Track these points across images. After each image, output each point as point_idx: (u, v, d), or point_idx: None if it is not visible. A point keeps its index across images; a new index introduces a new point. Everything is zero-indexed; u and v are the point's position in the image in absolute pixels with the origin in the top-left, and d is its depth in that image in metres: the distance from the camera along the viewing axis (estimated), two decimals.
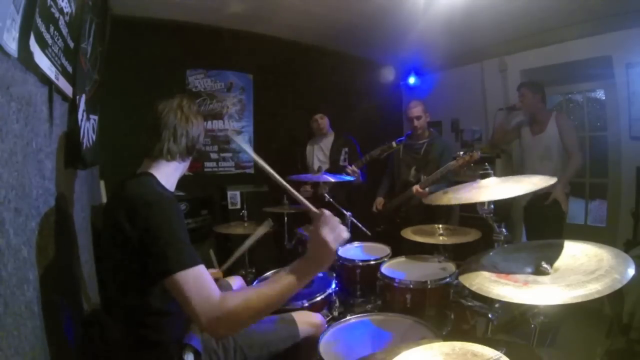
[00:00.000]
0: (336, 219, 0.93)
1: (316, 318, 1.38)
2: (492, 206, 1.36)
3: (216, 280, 1.53)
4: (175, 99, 1.14)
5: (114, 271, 0.99)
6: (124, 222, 0.90)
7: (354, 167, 2.65)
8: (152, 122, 1.10)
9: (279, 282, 0.89)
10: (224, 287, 1.60)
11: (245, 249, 1.76)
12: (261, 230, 1.78)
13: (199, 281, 0.85)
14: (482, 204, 1.37)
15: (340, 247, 2.15)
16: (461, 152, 2.27)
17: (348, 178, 2.32)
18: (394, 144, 2.47)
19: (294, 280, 0.89)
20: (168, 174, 1.10)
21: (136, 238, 0.88)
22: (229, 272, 1.84)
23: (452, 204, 3.08)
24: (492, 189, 1.30)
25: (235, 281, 1.69)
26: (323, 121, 2.99)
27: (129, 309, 0.97)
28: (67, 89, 1.37)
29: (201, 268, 0.87)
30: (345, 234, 0.92)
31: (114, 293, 1.02)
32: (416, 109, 2.70)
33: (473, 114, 3.98)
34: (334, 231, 0.90)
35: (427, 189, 2.39)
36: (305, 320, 1.32)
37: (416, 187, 2.41)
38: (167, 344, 1.02)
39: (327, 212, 0.93)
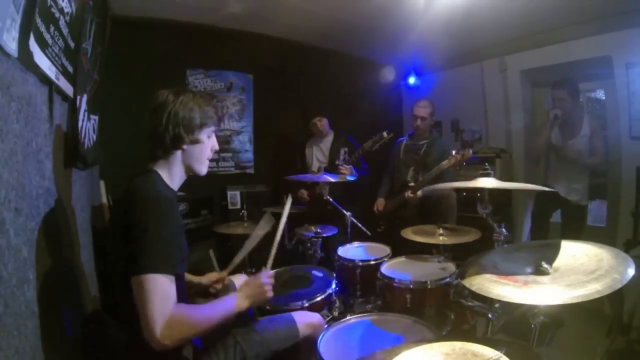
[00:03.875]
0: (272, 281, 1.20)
1: (315, 318, 1.38)
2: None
3: (220, 280, 1.52)
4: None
5: (114, 268, 1.00)
6: (122, 216, 0.92)
7: (345, 166, 2.63)
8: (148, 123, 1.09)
9: (222, 305, 1.05)
10: (229, 287, 1.60)
11: (248, 250, 1.72)
12: (261, 230, 1.75)
13: (166, 289, 0.88)
14: (482, 203, 1.37)
15: (340, 248, 2.16)
16: (454, 151, 2.28)
17: (350, 178, 2.32)
18: (384, 134, 2.47)
19: (232, 309, 1.05)
20: (172, 169, 1.10)
21: (129, 233, 0.89)
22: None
23: (452, 201, 3.12)
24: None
25: (239, 279, 1.69)
26: (322, 123, 2.98)
27: (128, 307, 0.97)
28: (68, 89, 1.37)
29: (172, 279, 0.90)
30: (270, 293, 1.17)
31: (113, 292, 1.03)
32: (424, 110, 2.69)
33: (473, 114, 3.98)
34: (268, 283, 1.17)
35: (419, 193, 2.40)
36: (305, 320, 1.32)
37: (407, 194, 2.43)
38: None
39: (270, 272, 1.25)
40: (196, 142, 1.10)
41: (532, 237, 3.03)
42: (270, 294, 1.16)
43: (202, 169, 1.16)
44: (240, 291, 1.12)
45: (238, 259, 1.66)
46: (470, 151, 2.21)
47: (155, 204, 0.92)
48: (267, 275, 1.18)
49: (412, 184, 2.44)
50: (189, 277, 1.38)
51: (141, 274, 0.84)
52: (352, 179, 2.34)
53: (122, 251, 0.93)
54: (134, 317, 0.97)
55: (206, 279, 1.49)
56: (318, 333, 1.27)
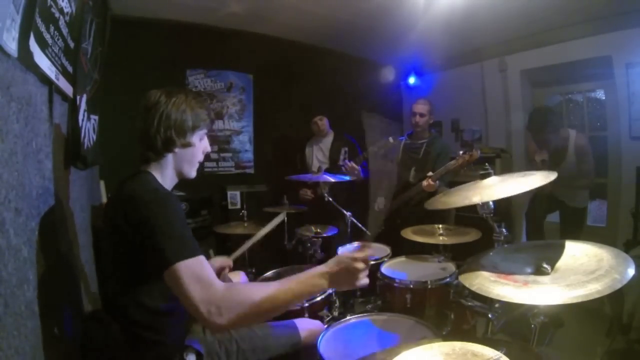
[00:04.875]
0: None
1: (317, 325, 1.38)
2: (492, 206, 1.35)
3: (219, 273, 1.53)
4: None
5: (113, 271, 1.00)
6: (121, 220, 0.90)
7: (353, 164, 2.64)
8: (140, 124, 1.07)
9: (288, 285, 0.89)
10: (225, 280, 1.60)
11: (258, 238, 1.68)
12: (276, 220, 1.71)
13: (199, 271, 0.83)
14: (482, 203, 1.36)
15: (340, 249, 2.16)
16: (461, 152, 2.27)
17: (346, 178, 2.32)
18: (390, 139, 2.47)
19: (310, 289, 0.91)
20: (164, 171, 1.09)
21: (133, 235, 0.87)
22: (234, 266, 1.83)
23: (451, 208, 3.11)
24: (493, 189, 1.29)
25: (239, 277, 1.69)
26: (322, 122, 2.99)
27: (128, 308, 0.97)
28: (68, 89, 1.37)
29: (201, 258, 0.86)
30: (363, 281, 0.97)
31: (113, 293, 1.02)
32: (422, 106, 2.71)
33: (473, 114, 3.98)
34: (364, 271, 0.96)
35: (437, 182, 2.39)
36: (307, 327, 1.33)
37: (428, 181, 2.39)
38: (167, 345, 1.02)
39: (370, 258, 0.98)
40: (188, 145, 1.08)
41: (527, 239, 3.02)
42: (364, 281, 0.96)
43: (192, 172, 1.14)
44: (327, 272, 0.93)
45: (245, 247, 1.64)
46: (479, 152, 2.20)
47: (156, 198, 0.91)
48: (364, 262, 0.96)
49: (430, 174, 2.41)
50: None
51: (170, 266, 0.82)
52: (347, 178, 2.34)
53: (122, 254, 0.93)
54: (130, 317, 0.97)
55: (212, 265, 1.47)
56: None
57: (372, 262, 1.92)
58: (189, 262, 0.83)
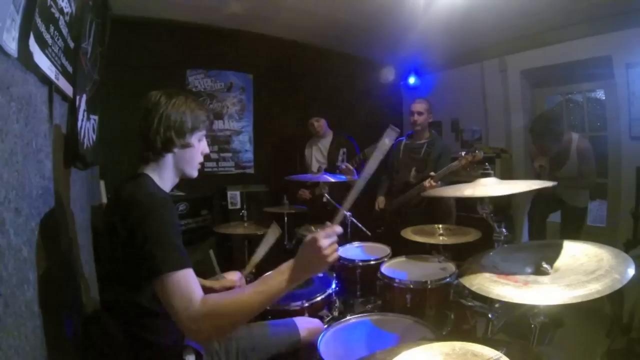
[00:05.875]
0: (335, 239, 0.95)
1: (317, 324, 1.38)
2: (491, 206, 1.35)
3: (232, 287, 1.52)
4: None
5: (111, 272, 1.00)
6: (118, 223, 0.90)
7: (348, 165, 2.64)
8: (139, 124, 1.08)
9: (263, 285, 0.91)
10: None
11: (259, 257, 1.69)
12: (271, 237, 1.72)
13: (184, 284, 0.86)
14: (482, 203, 1.37)
15: (340, 249, 2.15)
16: (463, 152, 2.25)
17: (342, 178, 2.32)
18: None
19: (280, 285, 0.90)
20: (163, 172, 1.09)
21: (129, 238, 0.88)
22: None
23: (451, 201, 3.12)
24: (493, 188, 1.29)
25: (235, 277, 1.68)
26: (319, 124, 2.98)
27: (127, 309, 0.97)
28: (67, 89, 1.37)
29: (188, 271, 0.88)
30: (333, 256, 0.93)
31: (112, 294, 1.03)
32: (420, 105, 2.70)
33: (473, 114, 3.98)
34: (331, 246, 0.93)
35: (438, 183, 2.38)
36: (307, 326, 1.33)
37: (430, 181, 2.38)
38: (166, 345, 1.02)
39: (338, 229, 0.96)
40: (187, 146, 1.09)
41: (530, 238, 3.03)
42: (334, 256, 0.93)
43: (193, 172, 1.15)
44: (293, 263, 0.93)
45: (249, 268, 1.66)
46: (482, 153, 2.19)
47: (152, 204, 0.91)
48: (326, 235, 0.92)
49: (432, 174, 2.40)
50: (200, 280, 1.36)
51: (159, 276, 0.84)
52: (344, 179, 2.33)
53: (119, 256, 0.93)
54: (129, 318, 0.97)
55: (218, 284, 1.47)
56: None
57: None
58: (175, 275, 0.85)
